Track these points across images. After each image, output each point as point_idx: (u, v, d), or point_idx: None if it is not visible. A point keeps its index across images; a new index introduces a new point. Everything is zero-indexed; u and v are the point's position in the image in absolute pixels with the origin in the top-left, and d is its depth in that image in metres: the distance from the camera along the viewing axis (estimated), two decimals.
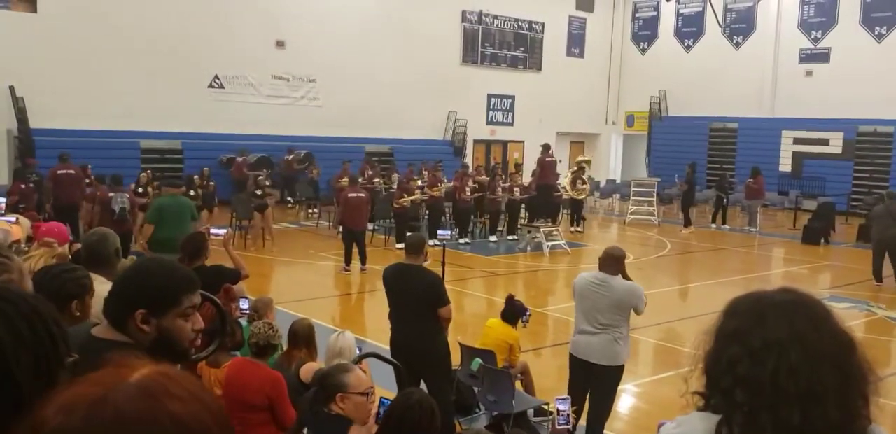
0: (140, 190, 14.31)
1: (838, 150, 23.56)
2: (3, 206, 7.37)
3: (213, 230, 6.64)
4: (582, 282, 5.76)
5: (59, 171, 13.43)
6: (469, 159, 25.12)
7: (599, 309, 5.61)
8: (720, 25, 26.08)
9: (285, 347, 5.21)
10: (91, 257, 3.80)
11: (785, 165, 24.54)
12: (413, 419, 3.43)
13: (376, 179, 18.34)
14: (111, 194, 11.41)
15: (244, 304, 5.83)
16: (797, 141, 24.43)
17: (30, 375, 1.06)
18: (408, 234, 14.69)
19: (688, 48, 28.09)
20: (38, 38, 18.34)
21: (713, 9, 25.37)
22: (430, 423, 3.43)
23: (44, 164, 15.24)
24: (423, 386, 5.72)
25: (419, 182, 16.36)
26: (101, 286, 3.62)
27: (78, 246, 4.97)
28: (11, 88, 18.17)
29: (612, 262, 5.74)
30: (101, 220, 10.93)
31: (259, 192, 14.79)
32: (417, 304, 5.86)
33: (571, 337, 5.89)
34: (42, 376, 1.08)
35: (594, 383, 5.71)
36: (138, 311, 1.97)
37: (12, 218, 4.90)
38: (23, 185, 13.54)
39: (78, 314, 2.36)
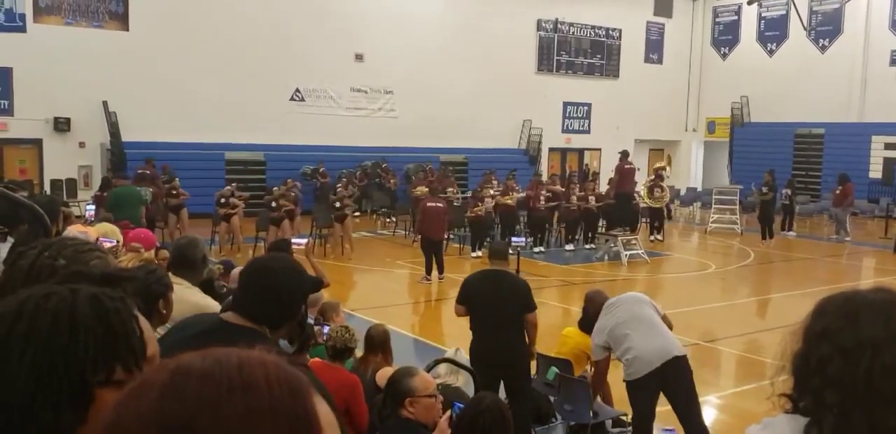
0: (223, 201, 14.71)
1: None
2: (93, 214, 7.68)
3: (294, 240, 6.77)
4: (607, 327, 5.56)
5: (138, 171, 16.31)
6: (544, 168, 24.98)
7: (640, 314, 5.56)
8: (805, 28, 25.27)
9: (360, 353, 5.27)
10: (178, 260, 3.93)
11: (875, 172, 23.56)
12: (484, 424, 3.42)
13: (450, 189, 18.42)
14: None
15: (326, 330, 5.63)
16: (888, 146, 23.43)
17: (30, 378, 1.02)
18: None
19: (771, 52, 27.33)
20: (130, 55, 19.17)
21: (797, 11, 24.61)
22: (501, 428, 3.42)
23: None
24: (501, 393, 5.70)
25: (492, 190, 16.36)
26: (186, 290, 3.75)
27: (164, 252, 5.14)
28: (105, 103, 19.04)
29: (599, 299, 5.89)
30: None
31: (338, 204, 15.03)
32: (506, 309, 5.85)
33: (633, 365, 5.45)
34: (51, 382, 1.03)
35: (676, 383, 5.40)
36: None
37: (112, 241, 4.96)
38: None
39: (164, 312, 2.46)
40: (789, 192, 18.89)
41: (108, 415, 0.74)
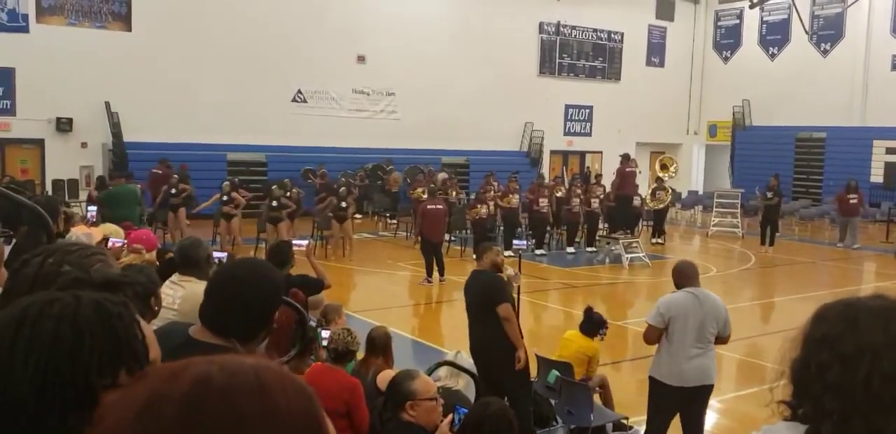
0: (225, 198, 14.69)
1: None
2: (95, 214, 7.69)
3: (294, 241, 6.77)
4: (679, 301, 5.30)
5: (153, 170, 16.98)
6: (546, 170, 24.98)
7: (706, 322, 5.28)
8: (807, 32, 25.29)
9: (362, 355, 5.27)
10: (184, 260, 3.98)
11: (877, 176, 23.55)
12: (490, 429, 3.42)
13: (452, 191, 18.42)
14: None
15: (325, 334, 5.58)
16: (889, 150, 23.42)
17: (35, 382, 1.03)
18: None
19: (772, 56, 27.34)
20: (132, 56, 19.18)
21: (799, 15, 24.61)
22: None
23: (137, 176, 15.85)
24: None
25: (491, 193, 16.31)
26: (196, 285, 3.77)
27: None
28: (107, 104, 19.05)
29: (693, 273, 5.47)
30: None
31: (343, 204, 15.02)
32: (479, 306, 5.97)
33: (666, 367, 5.34)
34: (56, 387, 1.04)
35: (693, 406, 5.40)
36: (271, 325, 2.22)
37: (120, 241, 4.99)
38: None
39: (156, 308, 2.48)
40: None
41: (125, 429, 0.72)
